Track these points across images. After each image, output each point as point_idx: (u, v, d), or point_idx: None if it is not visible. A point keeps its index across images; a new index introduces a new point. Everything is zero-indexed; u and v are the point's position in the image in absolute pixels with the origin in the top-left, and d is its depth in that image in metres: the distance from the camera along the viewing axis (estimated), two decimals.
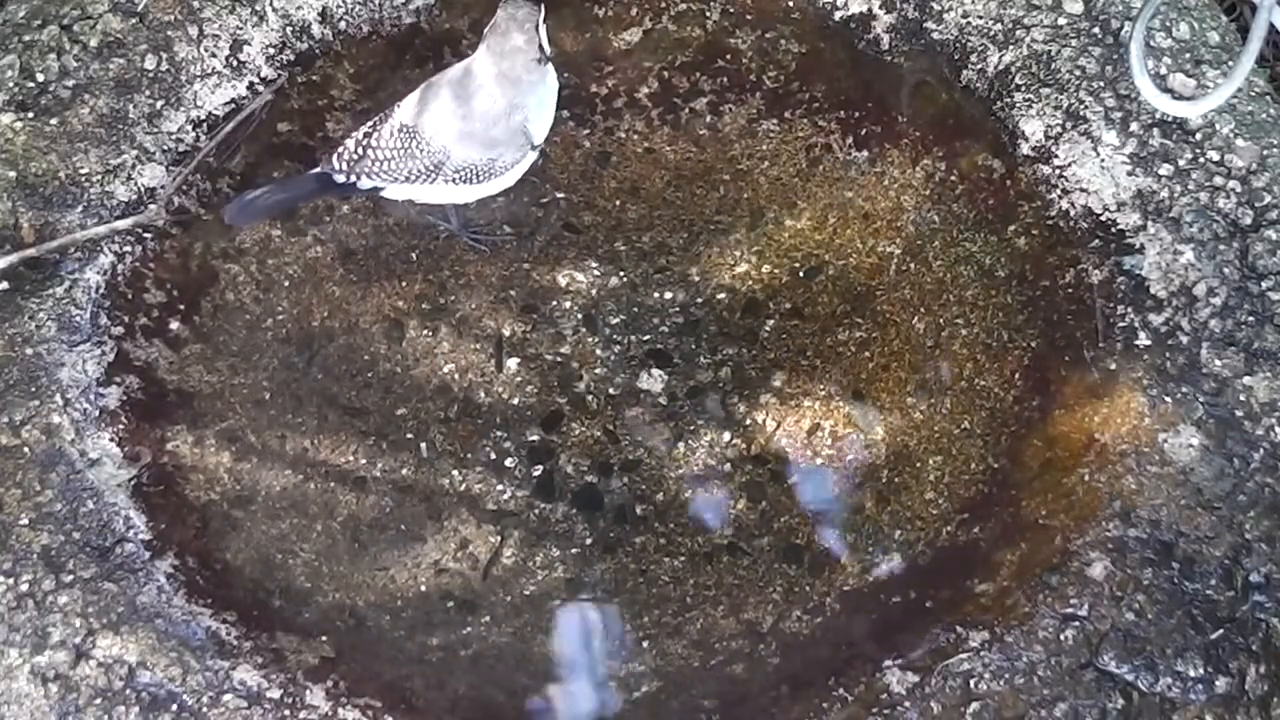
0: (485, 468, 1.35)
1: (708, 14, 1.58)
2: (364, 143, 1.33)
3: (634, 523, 1.33)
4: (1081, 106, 1.43)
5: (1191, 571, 1.21)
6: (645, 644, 1.27)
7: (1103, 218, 1.40)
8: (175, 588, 1.22)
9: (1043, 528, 1.27)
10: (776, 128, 1.52)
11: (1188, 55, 1.44)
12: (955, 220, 1.46)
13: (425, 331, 1.41)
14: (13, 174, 1.36)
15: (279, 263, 1.43)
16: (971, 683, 1.17)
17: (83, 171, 1.38)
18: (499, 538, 1.32)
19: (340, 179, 1.33)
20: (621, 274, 1.45)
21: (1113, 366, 1.33)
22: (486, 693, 1.24)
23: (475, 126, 1.33)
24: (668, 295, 1.44)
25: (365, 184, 1.34)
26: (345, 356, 1.39)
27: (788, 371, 1.40)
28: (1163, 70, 1.43)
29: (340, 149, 1.34)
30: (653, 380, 1.40)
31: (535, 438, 1.37)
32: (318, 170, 1.34)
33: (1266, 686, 1.16)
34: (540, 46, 1.32)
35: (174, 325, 1.38)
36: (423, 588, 1.29)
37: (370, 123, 1.35)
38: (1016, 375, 1.38)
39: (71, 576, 1.19)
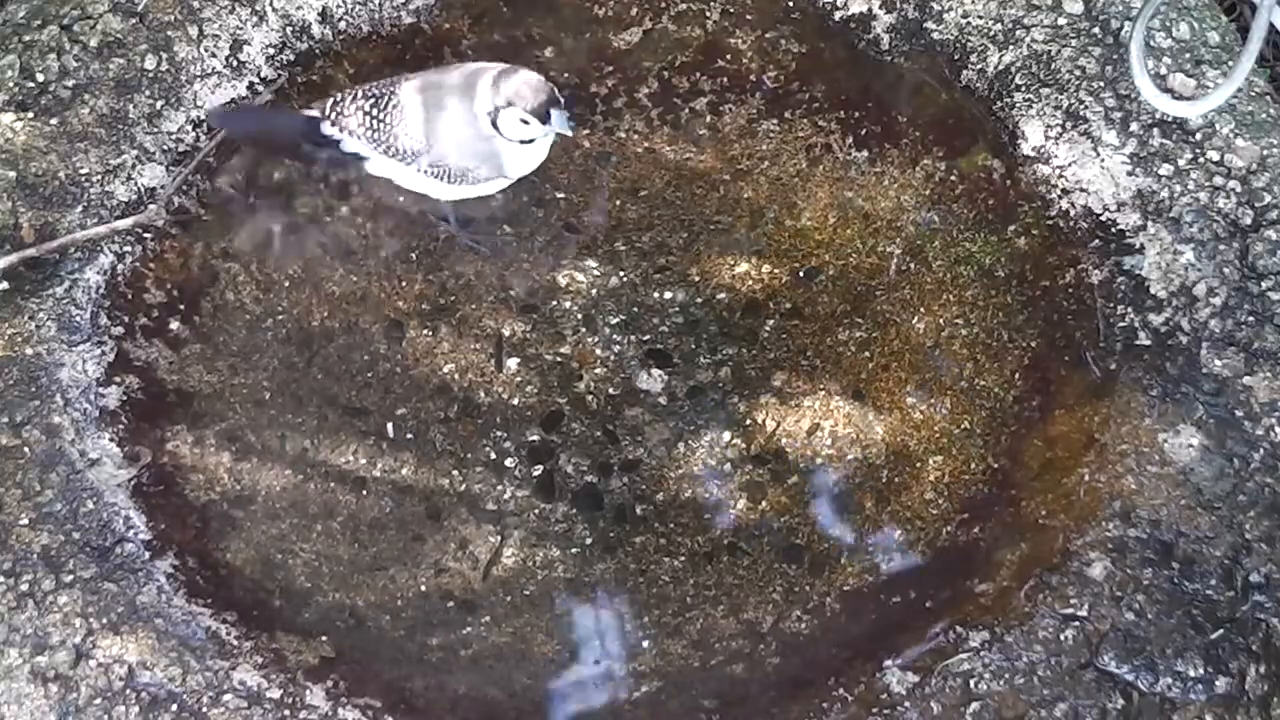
0: (485, 468, 1.35)
1: (708, 14, 1.58)
2: (362, 105, 1.32)
3: (634, 523, 1.33)
4: (1081, 106, 1.43)
5: (1191, 571, 1.21)
6: (645, 644, 1.27)
7: (1103, 218, 1.40)
8: (175, 588, 1.22)
9: (1043, 528, 1.27)
10: (776, 128, 1.52)
11: (1188, 55, 1.44)
12: (955, 220, 1.46)
13: (425, 331, 1.41)
14: (13, 174, 1.36)
15: (279, 263, 1.43)
16: (971, 683, 1.17)
17: (83, 171, 1.38)
18: (499, 538, 1.32)
19: (327, 128, 1.32)
20: (621, 274, 1.45)
21: (1113, 366, 1.33)
22: (486, 693, 1.24)
23: (454, 137, 1.32)
24: (668, 295, 1.44)
25: (349, 145, 1.33)
26: (345, 356, 1.39)
27: (788, 371, 1.40)
28: (1163, 70, 1.43)
29: (337, 95, 1.33)
30: (653, 380, 1.40)
31: (535, 438, 1.37)
32: (311, 113, 1.34)
33: (1266, 686, 1.16)
34: (494, 124, 1.30)
35: (174, 325, 1.38)
36: (423, 588, 1.29)
37: (376, 84, 1.33)
38: (1016, 375, 1.38)
39: (71, 576, 1.19)
